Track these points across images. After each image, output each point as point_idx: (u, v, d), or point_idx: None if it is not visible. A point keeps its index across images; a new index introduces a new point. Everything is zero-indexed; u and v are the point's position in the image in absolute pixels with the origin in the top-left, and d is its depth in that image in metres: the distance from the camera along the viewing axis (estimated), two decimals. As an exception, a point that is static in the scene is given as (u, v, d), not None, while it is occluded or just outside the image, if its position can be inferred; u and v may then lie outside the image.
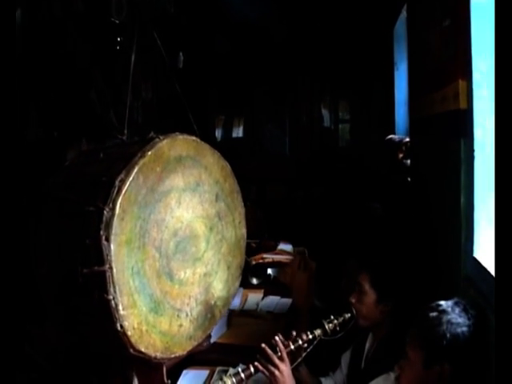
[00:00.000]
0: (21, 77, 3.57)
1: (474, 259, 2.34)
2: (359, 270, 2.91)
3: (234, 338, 3.52)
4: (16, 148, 1.93)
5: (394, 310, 2.78)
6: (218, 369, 3.14)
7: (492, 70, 2.23)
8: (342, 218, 5.24)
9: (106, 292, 2.28)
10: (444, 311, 2.13)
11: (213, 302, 2.96)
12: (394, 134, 6.22)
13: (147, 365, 2.64)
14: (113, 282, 2.28)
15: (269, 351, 2.61)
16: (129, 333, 2.35)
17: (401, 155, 5.35)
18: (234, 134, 9.20)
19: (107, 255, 2.27)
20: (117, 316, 2.31)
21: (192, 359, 3.16)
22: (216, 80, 8.44)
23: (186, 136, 2.79)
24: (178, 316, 2.67)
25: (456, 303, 2.15)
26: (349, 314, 2.85)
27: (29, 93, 3.94)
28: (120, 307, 2.31)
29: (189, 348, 2.77)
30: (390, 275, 2.82)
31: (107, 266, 2.26)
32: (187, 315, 2.74)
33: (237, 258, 3.18)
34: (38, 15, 4.32)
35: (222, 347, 3.43)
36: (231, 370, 2.93)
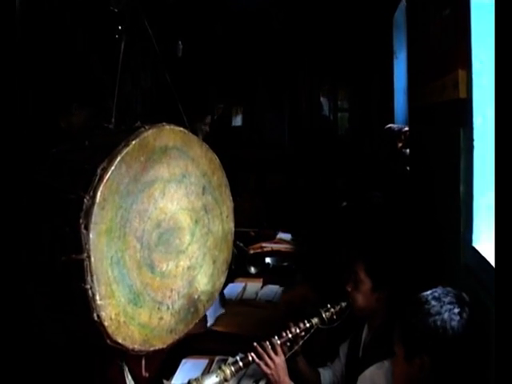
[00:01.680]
0: (20, 65, 3.56)
1: (473, 248, 2.34)
2: (354, 259, 2.91)
3: (233, 327, 3.52)
4: (16, 133, 1.92)
5: (390, 299, 2.78)
6: (217, 358, 3.15)
7: (492, 58, 2.23)
8: (340, 207, 5.23)
9: (84, 281, 2.26)
10: (425, 302, 2.09)
11: (196, 296, 2.93)
12: (393, 122, 6.21)
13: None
14: (90, 271, 2.27)
15: (260, 350, 2.63)
16: (105, 323, 2.34)
17: (400, 144, 5.34)
18: (233, 123, 9.19)
19: (85, 244, 2.25)
20: (93, 306, 2.30)
21: (191, 348, 3.17)
22: (215, 69, 8.41)
23: (173, 126, 2.76)
24: (158, 309, 2.65)
25: (442, 293, 2.12)
26: (345, 303, 2.85)
27: (28, 80, 3.93)
28: (97, 297, 2.29)
29: (169, 341, 2.75)
30: (384, 263, 2.82)
31: (85, 254, 2.25)
32: (168, 308, 2.71)
33: (223, 253, 3.14)
34: (37, 4, 4.31)
35: (221, 336, 3.44)
36: (230, 359, 2.94)
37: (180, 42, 6.43)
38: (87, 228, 2.25)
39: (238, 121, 9.22)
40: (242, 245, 4.65)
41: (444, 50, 2.85)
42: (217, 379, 2.53)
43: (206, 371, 3.00)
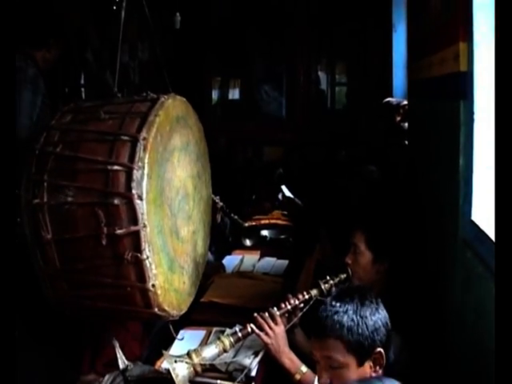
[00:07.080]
0: (16, 36, 3.51)
1: (472, 222, 2.34)
2: (354, 231, 2.91)
3: (230, 299, 3.54)
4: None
5: (389, 270, 2.80)
6: (214, 329, 3.16)
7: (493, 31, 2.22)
8: (337, 180, 5.24)
9: (140, 252, 2.29)
10: None
11: (198, 259, 3.02)
12: (392, 96, 6.19)
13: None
14: (147, 241, 2.30)
15: (260, 320, 2.64)
16: (158, 291, 2.39)
17: (398, 118, 5.34)
18: (231, 96, 9.14)
19: (142, 214, 2.27)
20: (150, 275, 2.33)
21: (188, 320, 3.19)
22: (213, 41, 8.36)
23: (180, 97, 2.83)
24: (182, 274, 2.72)
25: None
26: (344, 275, 2.87)
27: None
28: (153, 266, 2.33)
29: (189, 304, 2.82)
30: (385, 235, 2.83)
31: (141, 224, 2.27)
32: (187, 272, 2.79)
33: (208, 216, 3.31)
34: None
35: (219, 308, 3.45)
36: (228, 331, 2.95)
37: (178, 14, 6.38)
38: (141, 198, 2.28)
39: (235, 94, 9.17)
40: (236, 217, 4.66)
41: (444, 22, 2.82)
42: (216, 350, 2.54)
43: (204, 342, 3.01)
